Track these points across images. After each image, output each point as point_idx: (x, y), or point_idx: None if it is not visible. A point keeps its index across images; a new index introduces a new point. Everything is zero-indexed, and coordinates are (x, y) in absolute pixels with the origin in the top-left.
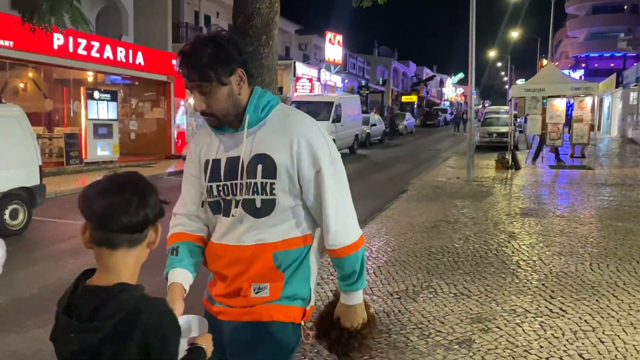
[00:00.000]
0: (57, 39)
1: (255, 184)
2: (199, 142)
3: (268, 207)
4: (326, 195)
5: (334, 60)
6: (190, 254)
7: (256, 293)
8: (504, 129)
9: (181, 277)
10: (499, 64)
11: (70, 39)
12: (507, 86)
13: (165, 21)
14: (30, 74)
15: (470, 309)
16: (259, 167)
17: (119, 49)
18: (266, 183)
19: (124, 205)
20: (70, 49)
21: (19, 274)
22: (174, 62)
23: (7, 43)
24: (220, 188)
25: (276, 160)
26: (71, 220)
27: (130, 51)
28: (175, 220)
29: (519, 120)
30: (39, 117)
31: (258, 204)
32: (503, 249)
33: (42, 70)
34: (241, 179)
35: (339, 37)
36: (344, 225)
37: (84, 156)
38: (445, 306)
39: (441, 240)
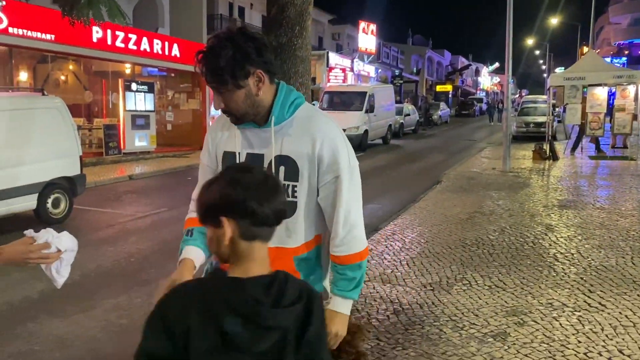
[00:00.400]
0: (96, 32)
1: None
2: (217, 131)
3: (290, 210)
4: (340, 201)
5: (368, 49)
6: (204, 236)
7: None
8: (541, 119)
9: (193, 254)
10: (537, 52)
11: (109, 32)
12: (545, 75)
13: (200, 13)
14: (70, 67)
15: (506, 301)
16: (282, 168)
17: (156, 41)
18: (288, 185)
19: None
20: (109, 42)
21: None
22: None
23: (48, 37)
24: None
25: (299, 164)
26: (110, 209)
27: (166, 43)
28: (192, 206)
29: (557, 109)
30: (79, 108)
31: None
32: (540, 241)
33: (82, 63)
34: None
35: (373, 27)
36: (351, 233)
37: (122, 147)
38: (480, 299)
39: (476, 232)
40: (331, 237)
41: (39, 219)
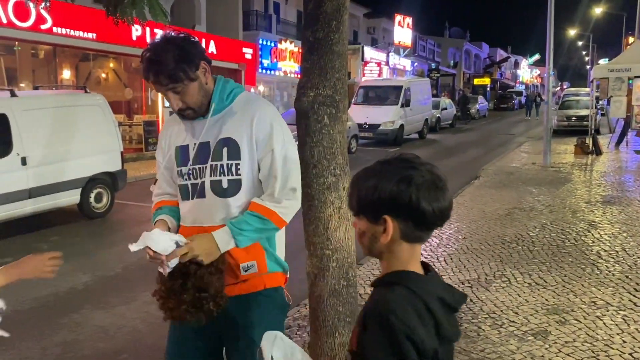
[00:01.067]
0: (136, 30)
1: (222, 165)
2: (167, 130)
3: (235, 187)
4: (276, 172)
5: (403, 43)
6: (171, 211)
7: (245, 271)
8: (583, 112)
9: (166, 218)
10: (579, 43)
11: (148, 30)
12: (588, 66)
13: (236, 10)
14: (111, 64)
15: (546, 299)
16: (224, 149)
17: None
18: (231, 164)
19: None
20: (148, 40)
21: (103, 254)
22: (143, 67)
23: (90, 35)
24: (190, 171)
25: (239, 143)
26: (149, 204)
27: (203, 40)
28: (154, 198)
29: (601, 102)
30: (119, 105)
31: (225, 184)
32: (582, 238)
33: (122, 61)
34: (210, 161)
35: (409, 20)
36: (285, 198)
37: None
38: (520, 296)
39: (515, 229)
40: (266, 192)
41: (82, 213)
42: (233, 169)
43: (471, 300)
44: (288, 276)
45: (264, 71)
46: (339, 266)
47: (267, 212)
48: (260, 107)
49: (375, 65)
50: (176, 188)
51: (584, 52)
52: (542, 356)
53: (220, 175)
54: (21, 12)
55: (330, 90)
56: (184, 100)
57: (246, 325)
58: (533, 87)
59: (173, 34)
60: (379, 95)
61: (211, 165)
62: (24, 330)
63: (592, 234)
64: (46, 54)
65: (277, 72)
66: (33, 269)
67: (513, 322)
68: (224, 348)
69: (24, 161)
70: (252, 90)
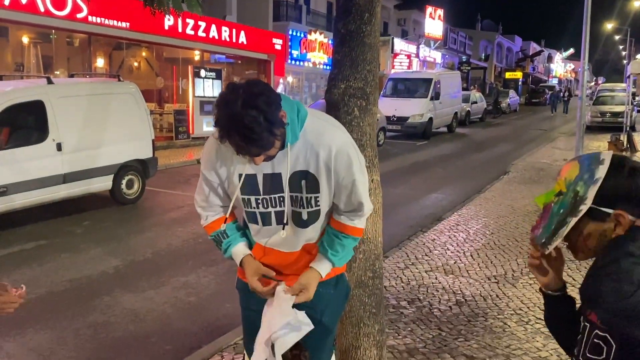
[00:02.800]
0: (168, 20)
1: (301, 198)
2: (221, 154)
3: (314, 217)
4: (357, 195)
5: (434, 35)
6: (237, 229)
7: None
8: (619, 108)
9: (244, 249)
10: (616, 37)
11: (179, 19)
12: (625, 61)
13: (266, 0)
14: (143, 53)
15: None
16: (303, 182)
17: (224, 28)
18: (311, 197)
19: None
20: (179, 29)
21: (134, 240)
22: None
23: (124, 24)
24: (260, 201)
25: (317, 176)
26: (180, 192)
27: (234, 30)
28: (204, 212)
29: (638, 98)
30: (151, 94)
31: (305, 217)
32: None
33: (154, 50)
34: (289, 192)
35: (440, 12)
36: (363, 212)
37: (191, 131)
38: None
39: None
40: (343, 209)
41: (114, 199)
42: (312, 201)
43: (497, 296)
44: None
45: (293, 62)
46: (365, 258)
47: (359, 232)
48: (335, 138)
49: (405, 57)
50: (226, 204)
51: (620, 47)
52: None
53: (300, 208)
54: (58, 1)
55: (361, 82)
56: (267, 154)
57: (318, 312)
58: (566, 82)
59: (246, 87)
60: (408, 87)
61: (291, 197)
62: (58, 311)
63: None
64: (81, 42)
65: (306, 63)
66: None
67: (539, 319)
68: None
69: (59, 147)
70: (281, 81)
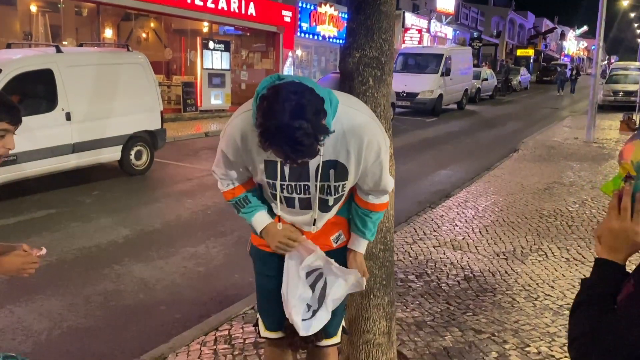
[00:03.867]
0: None
1: (329, 186)
2: (246, 141)
3: (338, 201)
4: (382, 176)
5: (446, 10)
6: (259, 197)
7: (336, 243)
8: (632, 87)
9: (267, 217)
10: (632, 15)
11: None
12: (639, 40)
13: None
14: (152, 24)
15: (584, 275)
16: (331, 172)
17: None
18: (339, 185)
19: None
20: (188, 0)
21: (143, 210)
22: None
23: None
24: (285, 187)
25: (347, 166)
26: (188, 164)
27: (243, 2)
28: (224, 181)
29: None
30: (159, 65)
31: (331, 203)
32: None
33: (163, 21)
34: (314, 181)
35: None
36: (386, 189)
37: (199, 104)
38: (556, 270)
39: (554, 203)
40: (369, 189)
41: (123, 169)
42: (340, 188)
43: (506, 272)
44: None
45: (302, 35)
46: (376, 230)
47: (385, 206)
48: (366, 127)
49: (416, 32)
50: (246, 179)
51: (636, 25)
52: None
53: (327, 195)
54: None
55: (376, 51)
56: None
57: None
58: (578, 60)
59: (294, 99)
60: (418, 63)
61: (316, 186)
62: (68, 279)
63: None
64: (89, 12)
65: (315, 37)
66: (17, 268)
67: (549, 295)
68: None
69: (68, 116)
70: (290, 54)
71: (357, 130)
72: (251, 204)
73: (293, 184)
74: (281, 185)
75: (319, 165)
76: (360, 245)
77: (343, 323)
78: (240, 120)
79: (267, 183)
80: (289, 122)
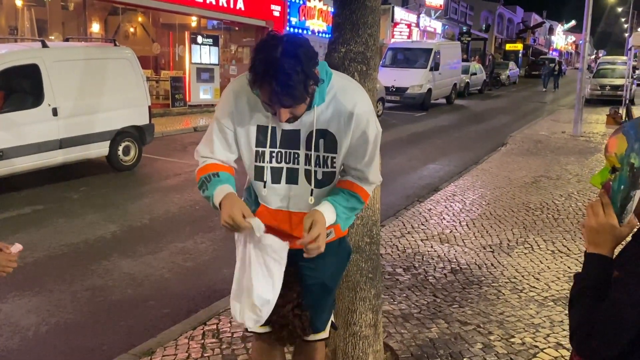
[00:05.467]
0: None
1: (318, 156)
2: (241, 104)
3: (329, 178)
4: (366, 155)
5: (435, 5)
6: (231, 181)
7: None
8: (618, 81)
9: (231, 188)
10: (619, 10)
11: None
12: (626, 34)
13: None
14: (139, 19)
15: (569, 267)
16: (321, 141)
17: None
18: (327, 157)
19: None
20: None
21: (131, 206)
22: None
23: None
24: (274, 154)
25: (337, 136)
26: (176, 159)
27: None
28: (203, 159)
29: (638, 71)
30: (147, 60)
31: (319, 176)
32: None
33: (150, 15)
34: (304, 149)
35: None
36: (372, 176)
37: (187, 99)
38: (542, 262)
39: (541, 196)
40: (352, 170)
41: (111, 165)
42: (329, 161)
43: (492, 264)
44: None
45: (291, 29)
46: (363, 224)
47: (366, 196)
48: (359, 100)
49: (405, 26)
50: (232, 159)
51: (623, 19)
52: (562, 321)
53: (315, 166)
54: None
55: (361, 46)
56: (294, 113)
57: (319, 270)
58: (566, 54)
59: (288, 39)
60: (407, 57)
61: (306, 154)
62: (56, 275)
63: None
64: (76, 6)
65: (305, 31)
66: None
67: (534, 287)
68: None
69: (55, 112)
70: None
71: (349, 100)
72: (219, 178)
73: (283, 151)
74: (271, 152)
75: (310, 132)
76: (323, 207)
77: (332, 318)
78: (236, 81)
79: (257, 153)
80: (280, 56)
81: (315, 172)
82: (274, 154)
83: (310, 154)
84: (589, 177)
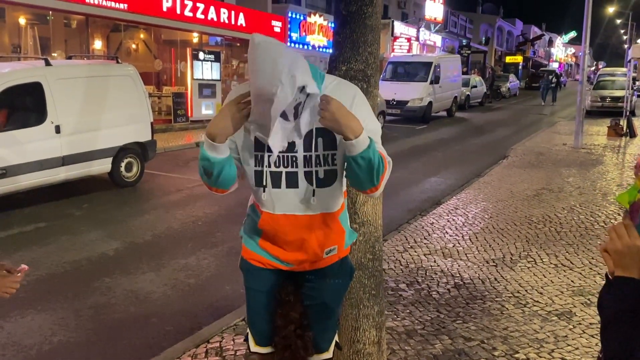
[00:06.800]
0: (166, 1)
1: (317, 156)
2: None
3: (331, 177)
4: (368, 116)
5: (434, 18)
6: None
7: (327, 254)
8: (619, 93)
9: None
10: (618, 22)
11: (178, 1)
12: (625, 46)
13: None
14: (141, 36)
15: (572, 281)
16: (319, 140)
17: (222, 10)
18: (327, 155)
19: None
20: (178, 11)
21: (134, 222)
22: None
23: (122, 6)
24: (274, 159)
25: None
26: (178, 175)
27: (233, 12)
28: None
29: (638, 83)
30: (149, 76)
31: (321, 175)
32: (612, 221)
33: (152, 32)
34: (302, 151)
35: None
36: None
37: (189, 114)
38: (545, 277)
39: (543, 209)
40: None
41: (113, 181)
42: (329, 159)
43: (495, 279)
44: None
45: (292, 45)
46: (365, 240)
47: (387, 163)
48: (350, 93)
49: (405, 40)
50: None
51: (622, 31)
52: (566, 336)
53: (316, 166)
54: None
55: (362, 64)
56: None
57: (321, 290)
58: (567, 66)
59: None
60: (407, 71)
61: (305, 156)
62: (59, 292)
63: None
64: (78, 24)
65: (305, 46)
66: None
67: (537, 302)
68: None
69: (57, 129)
70: None
71: (344, 91)
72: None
73: (281, 155)
74: (269, 156)
75: (307, 134)
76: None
77: (336, 338)
78: (238, 86)
79: (255, 157)
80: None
81: (317, 172)
82: (271, 158)
83: (310, 155)
84: (591, 189)
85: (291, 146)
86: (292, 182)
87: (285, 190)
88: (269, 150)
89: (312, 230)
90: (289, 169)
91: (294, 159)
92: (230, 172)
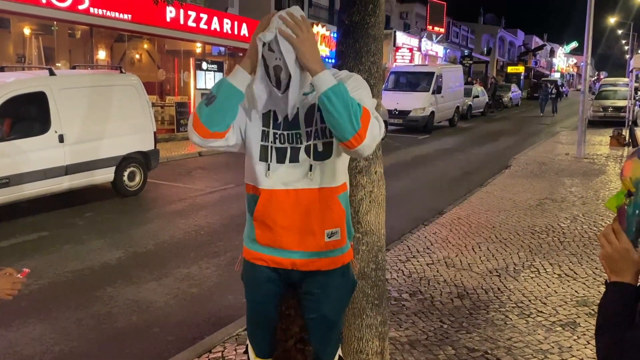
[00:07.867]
0: (170, 12)
1: (316, 130)
2: (250, 91)
3: (329, 149)
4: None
5: (436, 29)
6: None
7: (329, 238)
8: (621, 103)
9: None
10: (619, 32)
11: (181, 11)
12: (627, 56)
13: None
14: (145, 46)
15: (576, 291)
16: (317, 114)
17: (225, 20)
18: (325, 127)
19: None
20: (181, 22)
21: (136, 231)
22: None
23: (126, 16)
24: (277, 136)
25: None
26: (181, 184)
27: (236, 23)
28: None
29: None
30: (152, 86)
31: (320, 148)
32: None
33: (156, 42)
34: (304, 127)
35: (443, 5)
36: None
37: None
38: (549, 287)
39: (546, 219)
40: None
41: (116, 190)
42: (327, 131)
43: (499, 289)
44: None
45: None
46: (368, 249)
47: (367, 114)
48: (351, 74)
49: (407, 51)
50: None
51: (623, 41)
52: (570, 347)
53: (315, 139)
54: None
55: (365, 74)
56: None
57: (320, 302)
58: (568, 76)
59: None
60: (410, 81)
61: (307, 132)
62: (61, 301)
63: None
64: (83, 34)
65: None
66: (2, 290)
67: (541, 312)
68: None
69: (61, 139)
70: None
71: (343, 73)
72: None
73: (286, 133)
74: (274, 133)
75: (309, 108)
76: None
77: (340, 353)
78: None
79: (263, 132)
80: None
81: (315, 145)
82: (277, 135)
83: (311, 130)
84: (594, 199)
85: (295, 123)
86: (294, 157)
87: (288, 165)
88: (275, 126)
89: (312, 207)
90: (294, 145)
91: (297, 135)
92: (232, 109)
